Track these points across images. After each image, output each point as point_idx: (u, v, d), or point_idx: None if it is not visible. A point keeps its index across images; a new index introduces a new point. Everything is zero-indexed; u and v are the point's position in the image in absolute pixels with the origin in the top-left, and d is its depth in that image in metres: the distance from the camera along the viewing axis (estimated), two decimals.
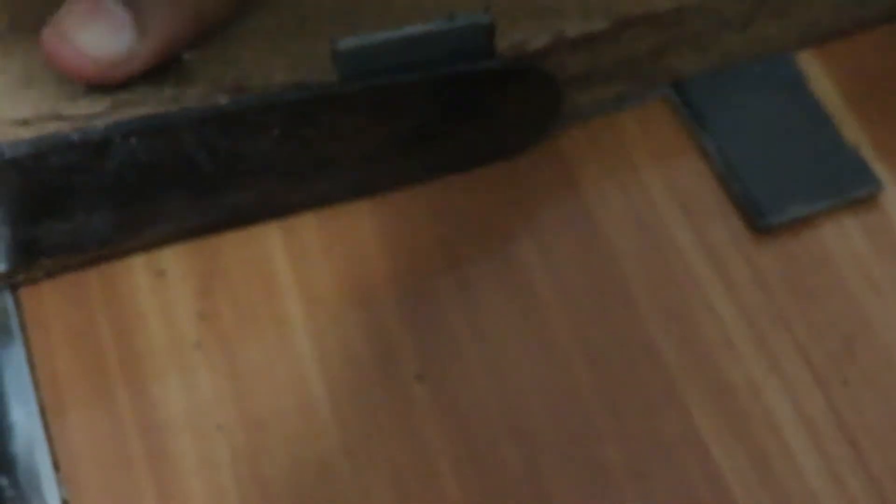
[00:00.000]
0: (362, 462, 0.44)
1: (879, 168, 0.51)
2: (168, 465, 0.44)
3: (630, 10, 0.49)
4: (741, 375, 0.46)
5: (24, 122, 0.46)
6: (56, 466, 0.44)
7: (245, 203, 0.48)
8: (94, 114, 0.46)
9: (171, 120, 0.45)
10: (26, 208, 0.45)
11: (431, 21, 0.46)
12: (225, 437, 0.45)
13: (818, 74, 0.53)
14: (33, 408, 0.45)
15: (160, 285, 0.47)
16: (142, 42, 0.45)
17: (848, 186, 0.50)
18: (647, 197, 0.50)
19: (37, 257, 0.46)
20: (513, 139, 0.50)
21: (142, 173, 0.45)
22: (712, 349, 0.46)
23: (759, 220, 0.49)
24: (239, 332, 0.46)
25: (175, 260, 0.48)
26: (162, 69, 0.47)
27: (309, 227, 0.49)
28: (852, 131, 0.52)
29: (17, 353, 0.46)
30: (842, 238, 0.49)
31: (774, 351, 0.46)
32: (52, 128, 0.45)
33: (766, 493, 0.44)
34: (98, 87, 0.46)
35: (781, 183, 0.50)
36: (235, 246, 0.48)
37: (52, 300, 0.47)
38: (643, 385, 0.46)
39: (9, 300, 0.46)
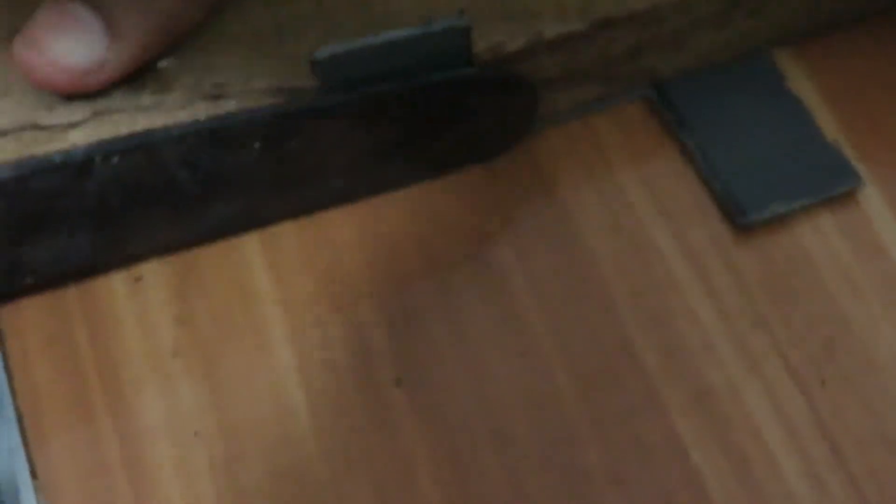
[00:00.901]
0: (341, 468, 0.44)
1: (857, 166, 0.51)
2: (146, 473, 0.44)
3: (607, 11, 0.49)
4: (721, 378, 0.46)
5: (2, 133, 0.45)
6: (34, 474, 0.44)
7: (226, 216, 0.48)
8: (72, 123, 0.45)
9: (152, 138, 0.44)
10: (8, 231, 0.44)
11: (409, 26, 0.45)
12: (203, 444, 0.45)
13: (796, 72, 0.53)
14: (11, 416, 0.44)
15: (137, 292, 0.47)
16: (114, 49, 0.45)
17: (829, 183, 0.50)
18: (625, 199, 0.50)
19: (20, 279, 0.46)
20: (490, 143, 0.50)
21: (124, 193, 0.45)
22: (692, 352, 0.46)
23: (739, 217, 0.49)
24: (217, 339, 0.46)
25: (152, 266, 0.48)
26: (140, 77, 0.47)
27: (287, 233, 0.49)
28: (830, 129, 0.52)
29: None
30: (821, 238, 0.49)
31: (754, 353, 0.46)
32: (29, 138, 0.45)
33: (745, 496, 0.44)
34: (76, 96, 0.46)
35: (762, 181, 0.50)
36: (213, 251, 0.48)
37: (29, 307, 0.47)
38: (622, 389, 0.46)
39: None
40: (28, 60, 0.45)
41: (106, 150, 0.44)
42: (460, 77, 0.47)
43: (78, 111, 0.46)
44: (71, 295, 0.47)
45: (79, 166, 0.44)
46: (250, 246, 0.48)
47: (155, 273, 0.47)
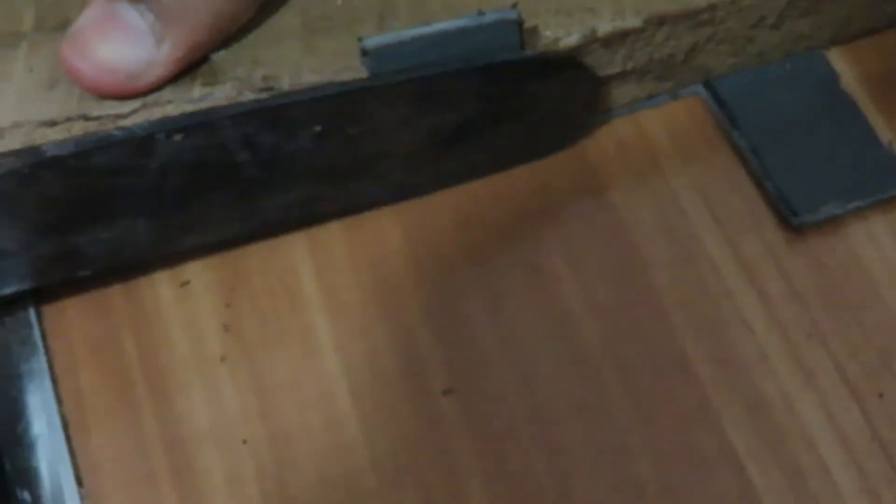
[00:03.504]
0: (390, 478, 0.44)
1: None
2: (193, 481, 0.44)
3: (664, 9, 0.48)
4: (775, 389, 0.45)
5: (52, 123, 0.45)
6: (79, 481, 0.43)
7: (281, 208, 0.47)
8: (121, 114, 0.45)
9: (214, 115, 0.44)
10: (68, 212, 0.44)
11: (460, 17, 0.45)
12: (251, 452, 0.44)
13: (850, 73, 0.53)
14: (56, 422, 0.44)
15: (184, 297, 0.47)
16: (160, 52, 0.44)
17: (882, 185, 0.50)
18: (677, 202, 0.49)
19: (76, 271, 0.45)
20: (549, 136, 0.50)
21: (185, 174, 0.44)
22: (746, 362, 0.46)
23: (792, 219, 0.48)
24: (264, 345, 0.46)
25: (199, 271, 0.47)
26: (190, 69, 0.46)
27: (334, 237, 0.48)
28: (884, 131, 0.51)
29: (39, 366, 0.45)
30: (875, 244, 0.48)
31: (809, 364, 0.46)
32: (79, 129, 0.45)
33: None
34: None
35: (814, 182, 0.49)
36: (260, 256, 0.47)
37: (75, 312, 0.46)
38: (675, 399, 0.45)
39: (31, 312, 0.46)
40: (74, 66, 0.44)
41: (168, 127, 0.43)
42: (522, 59, 0.47)
43: (127, 103, 0.45)
44: (117, 300, 0.46)
45: (140, 143, 0.43)
46: (298, 250, 0.48)
47: (202, 277, 0.47)
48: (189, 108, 0.45)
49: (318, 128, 0.45)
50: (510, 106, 0.48)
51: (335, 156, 0.47)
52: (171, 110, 0.45)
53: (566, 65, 0.48)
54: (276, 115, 0.45)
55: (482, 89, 0.47)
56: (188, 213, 0.46)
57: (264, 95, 0.45)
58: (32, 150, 0.43)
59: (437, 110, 0.47)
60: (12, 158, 0.43)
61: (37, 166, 0.43)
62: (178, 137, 0.44)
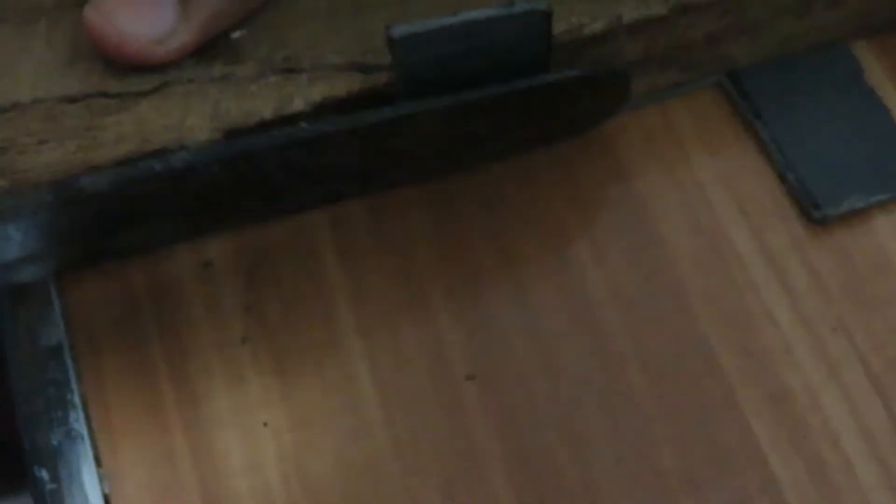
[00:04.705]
0: (410, 463, 0.44)
1: None
2: (212, 462, 0.44)
3: None
4: (799, 382, 0.45)
5: (72, 100, 0.45)
6: (98, 461, 0.43)
7: (307, 201, 0.47)
8: (142, 91, 0.45)
9: (255, 146, 0.44)
10: (99, 228, 0.44)
11: (489, 7, 0.45)
12: (271, 435, 0.44)
13: (875, 67, 0.52)
14: (76, 402, 0.44)
15: (206, 277, 0.46)
16: (185, 21, 0.44)
17: None
18: (703, 193, 0.49)
19: (101, 262, 0.46)
20: (579, 126, 0.50)
21: (217, 191, 0.45)
22: (769, 355, 0.46)
23: (814, 211, 0.48)
24: (286, 327, 0.46)
25: (221, 252, 0.47)
26: (212, 47, 0.46)
27: (358, 221, 0.48)
28: None
29: (59, 345, 0.45)
30: None
31: (833, 358, 0.46)
32: (98, 106, 0.45)
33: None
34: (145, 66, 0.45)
35: (837, 175, 0.49)
36: (283, 238, 0.47)
37: (97, 292, 0.46)
38: (699, 389, 0.45)
39: (52, 291, 0.46)
40: (98, 30, 0.44)
41: (207, 158, 0.44)
42: (563, 79, 0.47)
43: (148, 80, 0.45)
44: (139, 281, 0.46)
45: (179, 173, 0.43)
46: (321, 233, 0.48)
47: (224, 259, 0.47)
48: (211, 87, 0.45)
49: (355, 147, 0.46)
50: (543, 112, 0.48)
51: (365, 165, 0.47)
52: (193, 90, 0.45)
53: (603, 74, 0.48)
54: (317, 142, 0.45)
55: (515, 105, 0.47)
56: (215, 213, 0.46)
57: (285, 82, 0.45)
58: (65, 186, 0.43)
59: (468, 125, 0.47)
60: (47, 194, 0.43)
61: (69, 200, 0.43)
62: (216, 167, 0.44)
